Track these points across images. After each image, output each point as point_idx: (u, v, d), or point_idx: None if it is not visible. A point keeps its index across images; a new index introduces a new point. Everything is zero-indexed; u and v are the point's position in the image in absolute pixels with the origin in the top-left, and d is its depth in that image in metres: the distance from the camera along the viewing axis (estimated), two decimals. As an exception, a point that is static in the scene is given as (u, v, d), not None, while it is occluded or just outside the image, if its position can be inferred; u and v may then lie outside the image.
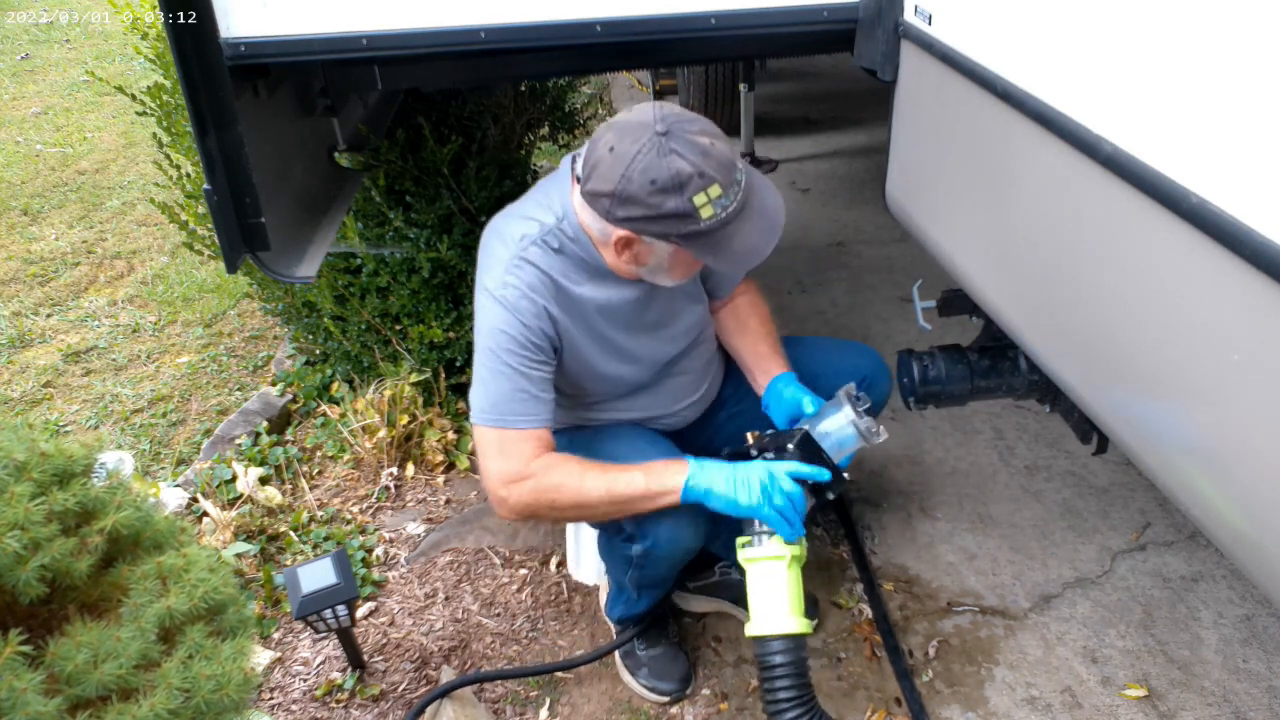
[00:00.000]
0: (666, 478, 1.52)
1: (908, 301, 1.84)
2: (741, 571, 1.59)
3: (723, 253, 1.43)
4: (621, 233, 1.43)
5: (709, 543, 1.67)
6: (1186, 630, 1.98)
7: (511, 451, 1.53)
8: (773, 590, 1.53)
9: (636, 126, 1.37)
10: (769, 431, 1.63)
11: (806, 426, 1.58)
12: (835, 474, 1.56)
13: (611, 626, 2.03)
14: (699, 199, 1.35)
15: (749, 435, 1.63)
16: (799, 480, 1.53)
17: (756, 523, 1.55)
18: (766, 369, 1.77)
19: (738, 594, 1.76)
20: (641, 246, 1.45)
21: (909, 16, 1.61)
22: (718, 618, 2.08)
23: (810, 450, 1.55)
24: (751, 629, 1.54)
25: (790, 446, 1.56)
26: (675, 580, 1.92)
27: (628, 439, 1.70)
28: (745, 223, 1.42)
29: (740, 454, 1.61)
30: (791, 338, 1.88)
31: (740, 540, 1.58)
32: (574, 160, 1.51)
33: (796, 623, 1.52)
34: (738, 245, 1.43)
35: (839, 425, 1.57)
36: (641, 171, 1.35)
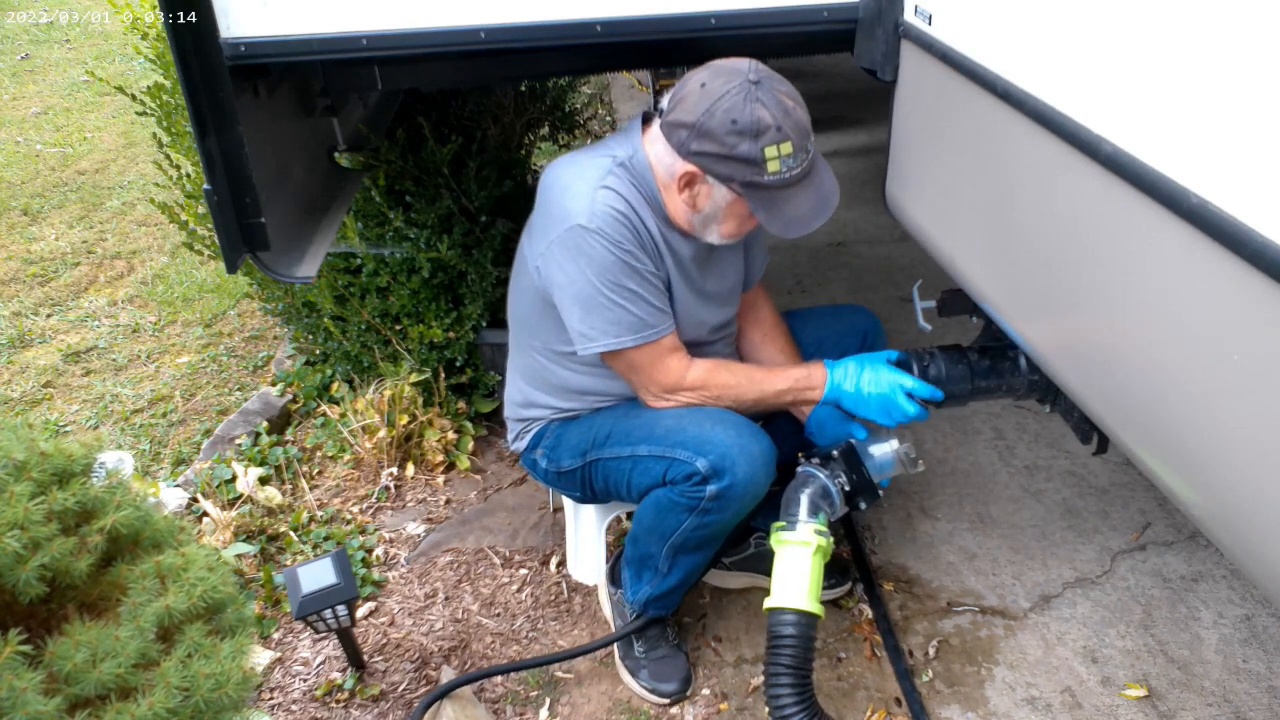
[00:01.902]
0: (814, 380, 1.73)
1: (908, 301, 1.85)
2: (772, 551, 1.70)
3: (775, 213, 1.54)
4: (689, 167, 1.53)
5: (749, 515, 1.77)
6: (1186, 630, 1.98)
7: (664, 365, 1.68)
8: (797, 571, 1.66)
9: (730, 70, 1.49)
10: (815, 450, 1.78)
11: (855, 443, 1.75)
12: (872, 489, 1.73)
13: (613, 625, 2.03)
14: (770, 151, 1.46)
15: (800, 455, 1.76)
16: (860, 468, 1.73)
17: (801, 509, 1.69)
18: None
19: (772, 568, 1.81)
20: (703, 186, 1.55)
21: (909, 16, 1.60)
22: (717, 616, 2.08)
23: (853, 462, 1.72)
24: (770, 601, 1.65)
25: (834, 454, 1.73)
26: (715, 554, 1.91)
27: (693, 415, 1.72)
28: (803, 191, 1.54)
29: (790, 466, 1.77)
30: (788, 312, 2.02)
31: (776, 524, 1.70)
32: (643, 115, 1.65)
33: (811, 604, 1.64)
34: (790, 210, 1.53)
35: (884, 451, 1.76)
36: (725, 110, 1.46)
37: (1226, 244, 0.94)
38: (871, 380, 1.69)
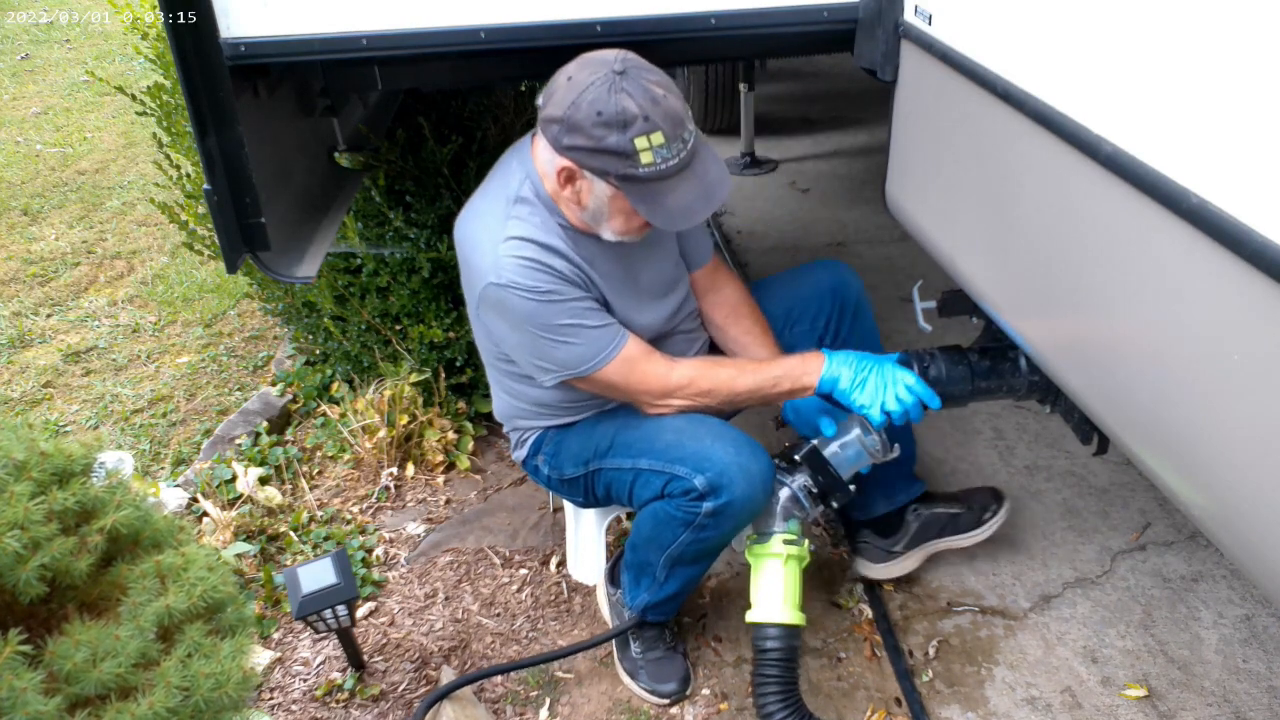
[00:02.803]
0: (809, 367, 1.67)
1: (908, 301, 1.85)
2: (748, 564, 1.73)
3: (656, 206, 1.49)
4: (565, 163, 1.49)
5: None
6: (1186, 630, 1.98)
7: (641, 374, 1.66)
8: (771, 583, 1.68)
9: (596, 62, 1.45)
10: (785, 445, 1.78)
11: (817, 443, 1.74)
12: (842, 486, 1.72)
13: (611, 626, 2.03)
14: (640, 142, 1.42)
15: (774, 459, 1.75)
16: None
17: (773, 519, 1.70)
18: None
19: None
20: (583, 182, 1.52)
21: (909, 16, 1.60)
22: (717, 616, 2.08)
23: (817, 463, 1.72)
24: (750, 615, 1.69)
25: (797, 459, 1.73)
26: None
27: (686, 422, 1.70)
28: (684, 183, 1.49)
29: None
30: (757, 282, 1.99)
31: (749, 536, 1.72)
32: (533, 133, 1.60)
33: (789, 614, 1.66)
34: (672, 202, 1.49)
35: (849, 445, 1.74)
36: (590, 102, 1.42)
37: (1226, 244, 0.94)
38: (870, 371, 1.66)
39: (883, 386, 1.64)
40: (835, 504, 1.73)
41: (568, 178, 1.52)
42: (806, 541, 1.71)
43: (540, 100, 1.51)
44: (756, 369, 1.71)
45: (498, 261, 1.55)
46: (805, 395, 1.71)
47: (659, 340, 1.76)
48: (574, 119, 1.43)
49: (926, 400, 1.66)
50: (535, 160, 1.59)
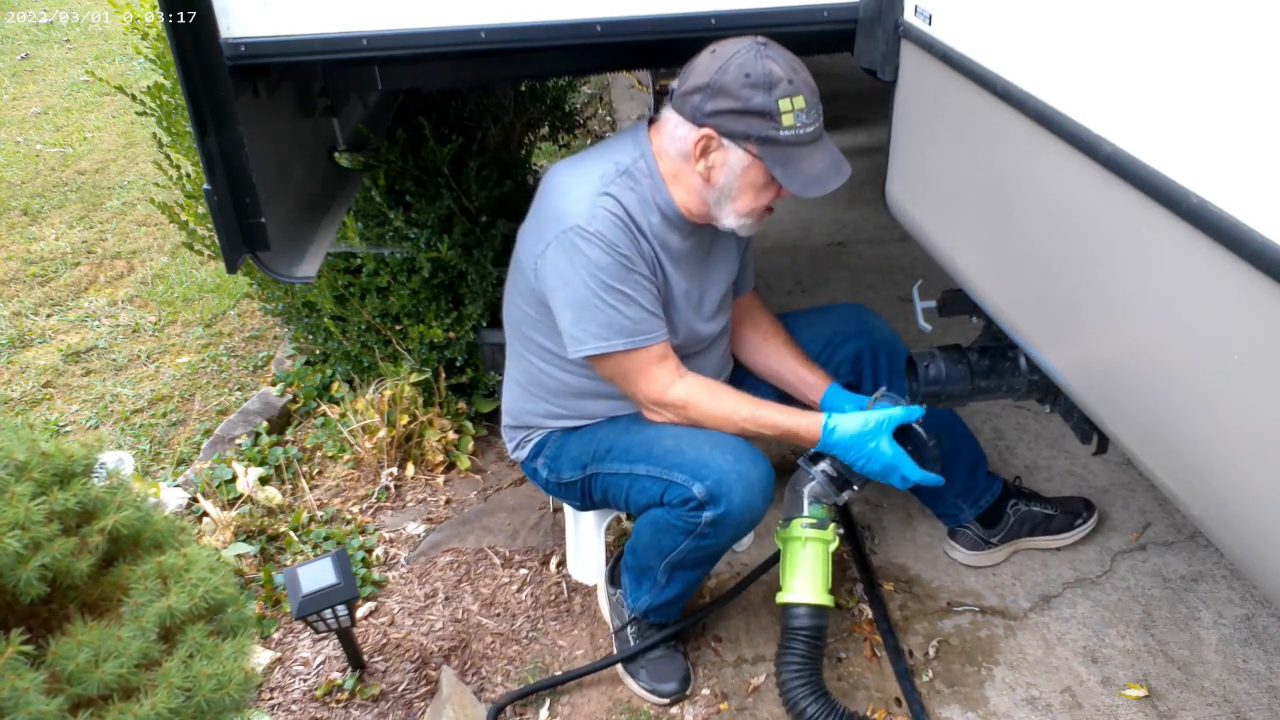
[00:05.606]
0: (804, 434, 1.70)
1: (908, 301, 1.85)
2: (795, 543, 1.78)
3: (793, 171, 1.55)
4: (704, 131, 1.55)
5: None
6: (1186, 630, 1.99)
7: (652, 374, 1.68)
8: (794, 566, 1.74)
9: (737, 39, 1.54)
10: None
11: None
12: (860, 478, 1.76)
13: (611, 626, 2.03)
14: (784, 104, 1.50)
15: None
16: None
17: (800, 501, 1.76)
18: (812, 383, 1.92)
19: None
20: (718, 154, 1.57)
21: (909, 16, 1.61)
22: (717, 616, 2.08)
23: (840, 465, 1.75)
24: (778, 598, 1.76)
25: (815, 450, 1.76)
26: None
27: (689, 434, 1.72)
28: (817, 151, 1.57)
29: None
30: (781, 315, 2.04)
31: (779, 523, 1.79)
32: (649, 120, 1.68)
33: (811, 594, 1.72)
34: (808, 168, 1.55)
35: None
36: (738, 66, 1.50)
37: (1226, 244, 0.95)
38: (865, 458, 1.67)
39: (881, 476, 1.70)
40: (856, 487, 1.77)
41: (703, 149, 1.57)
42: (833, 526, 1.76)
43: (675, 83, 1.58)
44: (754, 415, 1.70)
45: (593, 210, 1.59)
46: (805, 443, 1.73)
47: (696, 356, 1.80)
48: (721, 82, 1.51)
49: (929, 484, 1.71)
50: (654, 140, 1.64)
